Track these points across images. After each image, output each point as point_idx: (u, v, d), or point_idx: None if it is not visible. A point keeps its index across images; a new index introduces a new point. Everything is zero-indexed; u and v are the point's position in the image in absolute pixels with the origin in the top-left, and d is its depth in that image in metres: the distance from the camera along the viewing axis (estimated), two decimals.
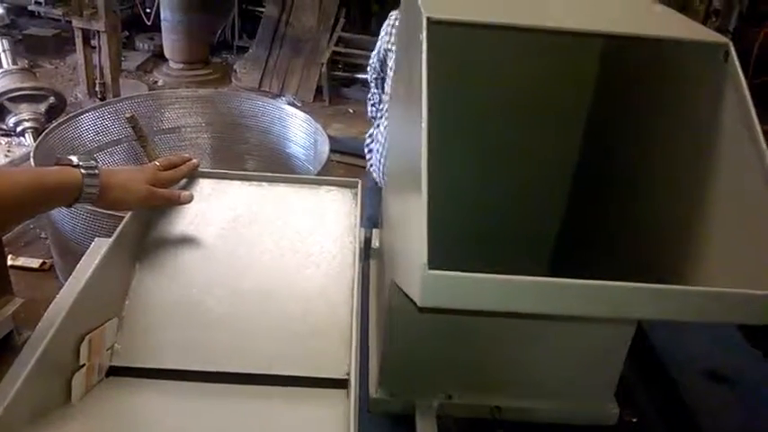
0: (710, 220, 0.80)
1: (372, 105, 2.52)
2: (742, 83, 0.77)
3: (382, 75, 2.45)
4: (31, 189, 0.92)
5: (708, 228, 0.80)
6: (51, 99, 3.64)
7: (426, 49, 0.73)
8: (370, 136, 2.46)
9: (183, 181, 1.17)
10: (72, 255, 2.38)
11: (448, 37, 0.76)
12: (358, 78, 5.18)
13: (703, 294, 0.70)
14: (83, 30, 3.61)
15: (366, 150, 2.47)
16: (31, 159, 2.56)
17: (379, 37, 2.38)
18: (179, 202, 1.11)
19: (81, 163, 0.96)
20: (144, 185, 1.04)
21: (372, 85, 2.52)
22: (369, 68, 2.49)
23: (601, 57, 1.14)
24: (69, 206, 0.97)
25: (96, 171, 0.97)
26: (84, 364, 0.84)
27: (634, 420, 1.03)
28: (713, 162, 0.81)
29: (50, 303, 1.09)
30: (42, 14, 5.79)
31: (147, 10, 5.46)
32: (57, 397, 0.81)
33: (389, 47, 2.24)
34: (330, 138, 2.89)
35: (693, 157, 0.84)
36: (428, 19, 0.76)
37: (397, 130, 1.02)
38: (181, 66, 5.37)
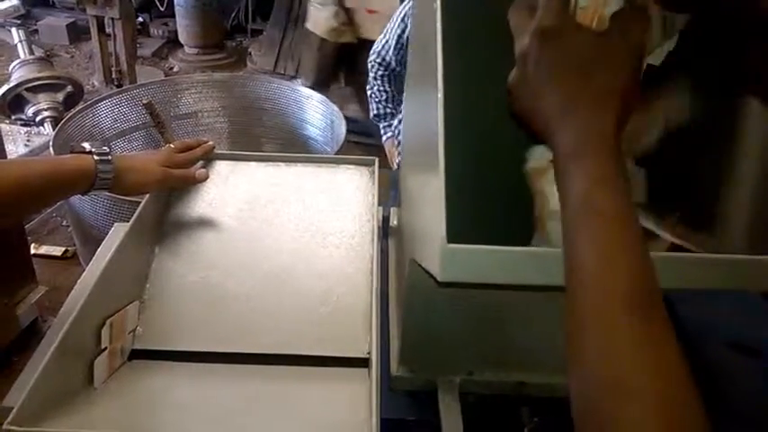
0: (739, 179, 0.78)
1: (379, 102, 2.39)
2: None
3: (397, 69, 2.30)
4: (47, 178, 0.92)
5: (736, 188, 0.78)
6: (69, 88, 3.65)
7: (440, 18, 0.72)
8: (391, 128, 2.40)
9: (200, 163, 1.17)
10: (94, 242, 2.40)
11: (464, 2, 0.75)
12: None
13: (729, 262, 0.68)
14: (97, 17, 3.61)
15: (396, 143, 2.39)
16: (51, 148, 2.57)
17: (392, 27, 2.23)
18: (195, 180, 1.11)
19: (93, 150, 0.97)
20: (158, 167, 1.04)
21: (378, 82, 2.37)
22: (373, 63, 2.33)
23: None
24: (85, 193, 0.98)
25: (109, 157, 0.97)
26: (105, 348, 0.85)
27: None
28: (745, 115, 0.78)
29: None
30: (57, 3, 5.81)
31: None
32: (79, 381, 0.82)
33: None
34: (347, 119, 2.88)
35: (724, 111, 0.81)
36: None
37: (413, 104, 1.00)
38: (196, 51, 5.37)
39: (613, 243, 0.53)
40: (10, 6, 4.76)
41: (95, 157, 0.96)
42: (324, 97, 3.12)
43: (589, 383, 0.51)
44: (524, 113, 0.62)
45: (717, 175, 0.80)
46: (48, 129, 3.53)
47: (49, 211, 3.24)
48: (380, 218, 1.22)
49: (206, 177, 1.13)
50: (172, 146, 1.11)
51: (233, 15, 5.79)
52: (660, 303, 0.51)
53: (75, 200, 2.44)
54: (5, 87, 3.49)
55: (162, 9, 5.42)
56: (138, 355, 0.91)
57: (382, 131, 2.45)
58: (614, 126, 0.56)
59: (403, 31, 2.20)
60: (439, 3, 0.72)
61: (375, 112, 2.44)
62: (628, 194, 0.55)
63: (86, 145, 0.98)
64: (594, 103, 0.57)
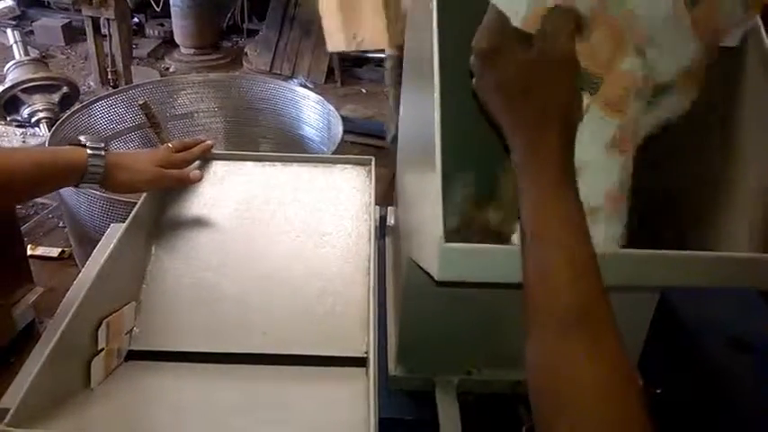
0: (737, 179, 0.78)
1: None
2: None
3: None
4: (39, 165, 0.94)
5: (728, 189, 0.78)
6: (64, 89, 3.64)
7: (436, 16, 0.72)
8: None
9: (197, 162, 1.16)
10: (90, 243, 2.39)
11: (460, 2, 0.75)
12: (370, 58, 5.14)
13: (727, 260, 0.69)
14: (93, 18, 3.60)
15: None
16: None
17: None
18: (189, 181, 1.11)
19: (88, 143, 0.97)
20: (152, 167, 1.04)
21: None
22: None
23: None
24: (76, 186, 0.99)
25: (102, 152, 0.97)
26: (102, 349, 0.84)
27: (658, 392, 1.02)
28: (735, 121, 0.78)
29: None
30: (52, 4, 5.79)
31: None
32: (76, 382, 0.82)
33: None
34: (343, 119, 2.87)
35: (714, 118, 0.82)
36: None
37: (409, 102, 1.00)
38: (192, 51, 5.36)
39: (550, 264, 0.56)
40: (5, 7, 4.75)
41: (88, 151, 0.97)
42: (320, 97, 3.12)
43: (535, 394, 0.55)
44: (490, 120, 0.65)
45: (714, 176, 0.80)
46: (43, 130, 3.52)
47: (45, 212, 3.23)
48: (377, 217, 1.22)
49: (200, 178, 1.12)
50: (170, 145, 1.11)
51: (229, 15, 5.78)
52: (598, 320, 0.54)
53: (72, 200, 2.43)
54: (0, 88, 3.48)
55: (157, 9, 5.40)
56: (134, 355, 0.90)
57: None
58: (557, 145, 0.58)
59: None
60: (435, 1, 0.72)
61: None
62: (569, 215, 0.57)
63: (82, 138, 0.99)
64: (534, 125, 0.59)
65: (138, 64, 4.92)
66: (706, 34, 0.68)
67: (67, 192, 2.41)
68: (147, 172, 1.04)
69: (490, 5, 0.62)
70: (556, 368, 0.53)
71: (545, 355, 0.54)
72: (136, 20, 5.48)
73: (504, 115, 0.62)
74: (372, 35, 1.99)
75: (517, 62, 0.60)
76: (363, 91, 4.98)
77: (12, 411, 0.70)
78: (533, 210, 0.57)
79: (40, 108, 3.54)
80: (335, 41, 2.16)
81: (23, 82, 3.50)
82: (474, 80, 0.65)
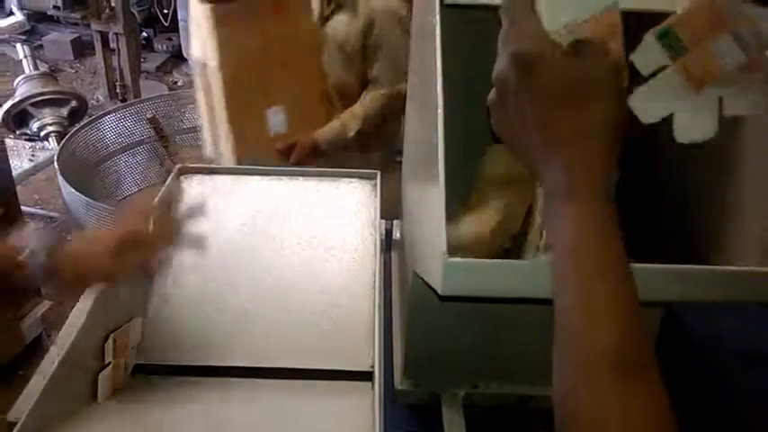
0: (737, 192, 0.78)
1: None
2: None
3: None
4: None
5: (734, 202, 0.78)
6: (73, 102, 3.67)
7: (440, 35, 0.72)
8: None
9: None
10: None
11: (463, 21, 0.75)
12: None
13: (733, 274, 0.68)
14: (101, 33, 3.64)
15: None
16: (55, 163, 2.59)
17: None
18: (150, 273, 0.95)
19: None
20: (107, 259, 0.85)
21: None
22: None
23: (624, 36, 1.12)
24: None
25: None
26: (109, 363, 0.85)
27: None
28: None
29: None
30: (61, 19, 5.83)
31: (165, 11, 5.48)
32: (83, 396, 0.82)
33: None
34: None
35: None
36: (441, 2, 0.74)
37: (414, 119, 1.01)
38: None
39: (599, 297, 0.50)
40: (15, 22, 4.77)
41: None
42: None
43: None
44: (507, 140, 0.58)
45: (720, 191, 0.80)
46: (52, 143, 3.54)
47: (52, 225, 3.25)
48: (383, 231, 1.22)
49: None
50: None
51: None
52: (650, 359, 0.49)
53: (80, 213, 2.45)
54: (10, 102, 3.51)
55: (166, 24, 5.45)
56: (141, 369, 0.91)
57: None
58: (604, 165, 0.53)
59: None
60: (438, 17, 0.72)
61: None
62: (617, 242, 0.51)
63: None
64: (582, 141, 0.53)
65: (146, 78, 4.96)
66: (703, 83, 0.64)
67: (75, 204, 2.43)
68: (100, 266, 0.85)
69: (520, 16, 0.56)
70: (613, 417, 0.48)
71: (596, 402, 0.49)
72: (144, 34, 5.52)
73: (539, 130, 0.54)
74: (226, 155, 2.08)
75: (566, 68, 0.52)
76: None
77: (19, 424, 0.70)
78: (581, 235, 0.51)
79: (50, 122, 3.57)
80: (205, 149, 2.28)
81: (33, 96, 3.53)
82: (491, 94, 0.58)
